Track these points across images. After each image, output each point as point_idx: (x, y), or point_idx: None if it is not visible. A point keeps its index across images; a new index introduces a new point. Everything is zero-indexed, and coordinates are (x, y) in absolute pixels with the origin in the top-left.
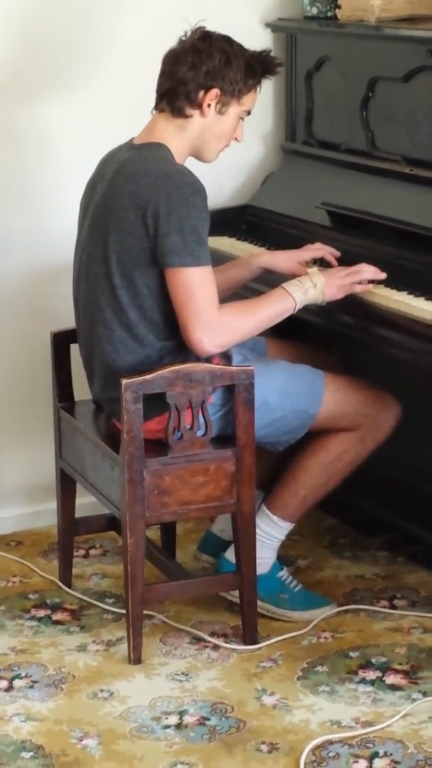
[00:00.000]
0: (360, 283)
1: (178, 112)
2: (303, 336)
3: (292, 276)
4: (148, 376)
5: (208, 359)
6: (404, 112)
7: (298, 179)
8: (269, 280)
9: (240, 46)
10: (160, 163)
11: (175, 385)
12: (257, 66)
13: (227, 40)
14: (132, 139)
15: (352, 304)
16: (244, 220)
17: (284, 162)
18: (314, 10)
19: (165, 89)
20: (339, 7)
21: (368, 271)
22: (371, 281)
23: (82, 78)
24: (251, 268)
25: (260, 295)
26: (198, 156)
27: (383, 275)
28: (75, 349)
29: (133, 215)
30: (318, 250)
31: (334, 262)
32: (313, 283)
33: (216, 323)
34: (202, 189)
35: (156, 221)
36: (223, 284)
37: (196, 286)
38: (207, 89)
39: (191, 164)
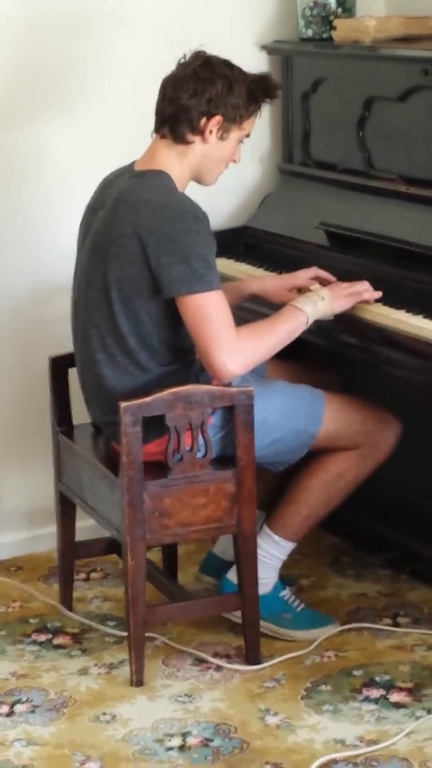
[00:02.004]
0: (366, 291)
1: (179, 139)
2: (302, 356)
3: (281, 303)
4: (147, 399)
5: (209, 381)
6: (400, 131)
7: (295, 200)
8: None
9: (240, 71)
10: (161, 193)
11: (175, 408)
12: (258, 91)
13: (228, 65)
14: (133, 163)
15: (350, 322)
16: (242, 242)
17: (282, 183)
18: (310, 32)
19: (167, 115)
20: (334, 28)
21: (369, 287)
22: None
23: (79, 100)
24: (240, 294)
25: (269, 316)
26: (199, 180)
27: (379, 294)
28: (73, 373)
29: (134, 244)
30: (310, 277)
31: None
32: (320, 296)
33: (237, 345)
34: (204, 216)
35: (158, 251)
36: None
37: (211, 311)
38: (209, 116)
39: (191, 187)
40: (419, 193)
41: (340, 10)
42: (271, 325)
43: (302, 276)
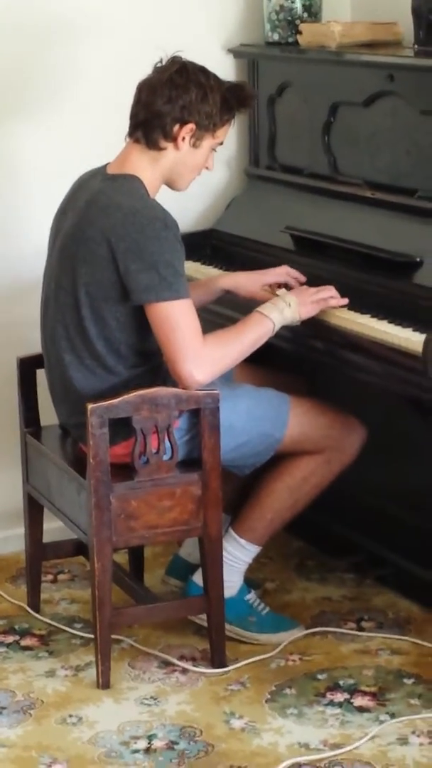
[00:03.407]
0: (332, 297)
1: (152, 144)
2: (269, 360)
3: (252, 299)
4: (114, 401)
5: (176, 384)
6: (365, 136)
7: (261, 203)
8: (232, 302)
9: (216, 79)
10: (132, 198)
11: (141, 410)
12: (233, 100)
13: (204, 72)
14: (106, 165)
15: (316, 327)
16: (208, 245)
17: (248, 186)
18: (276, 36)
19: (140, 120)
20: (300, 33)
21: (335, 293)
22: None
23: (50, 102)
24: (213, 289)
25: (237, 322)
26: (170, 185)
27: (345, 300)
28: (41, 375)
29: (104, 249)
30: (281, 275)
31: (296, 285)
32: (287, 303)
33: (203, 354)
34: (174, 223)
35: (127, 258)
36: None
37: (178, 320)
38: (182, 123)
39: (162, 191)
40: (384, 198)
41: (306, 14)
42: (237, 333)
43: (273, 273)
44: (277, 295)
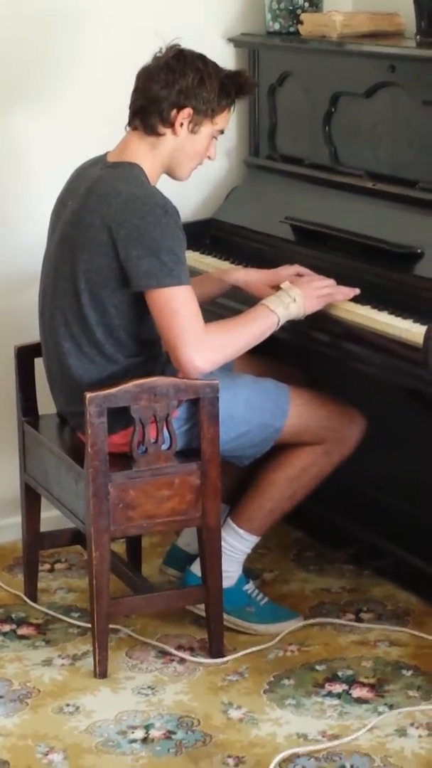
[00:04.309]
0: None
1: (150, 131)
2: (269, 350)
3: (261, 297)
4: (113, 390)
5: (175, 373)
6: (366, 127)
7: (261, 193)
8: (240, 296)
9: (215, 66)
10: (132, 185)
11: (140, 399)
12: (231, 86)
13: (202, 59)
14: (106, 154)
15: (317, 318)
16: (208, 234)
17: (248, 176)
18: (276, 26)
19: (138, 107)
20: (301, 22)
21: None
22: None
23: (52, 91)
24: (223, 284)
25: (241, 313)
26: (171, 174)
27: (350, 295)
28: (39, 363)
29: (103, 236)
30: (292, 275)
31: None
32: (292, 298)
33: (204, 341)
34: (174, 210)
35: (128, 244)
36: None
37: (179, 306)
38: (179, 108)
39: (159, 180)
40: (385, 189)
41: (307, 4)
42: (241, 324)
43: (285, 273)
44: (280, 288)
